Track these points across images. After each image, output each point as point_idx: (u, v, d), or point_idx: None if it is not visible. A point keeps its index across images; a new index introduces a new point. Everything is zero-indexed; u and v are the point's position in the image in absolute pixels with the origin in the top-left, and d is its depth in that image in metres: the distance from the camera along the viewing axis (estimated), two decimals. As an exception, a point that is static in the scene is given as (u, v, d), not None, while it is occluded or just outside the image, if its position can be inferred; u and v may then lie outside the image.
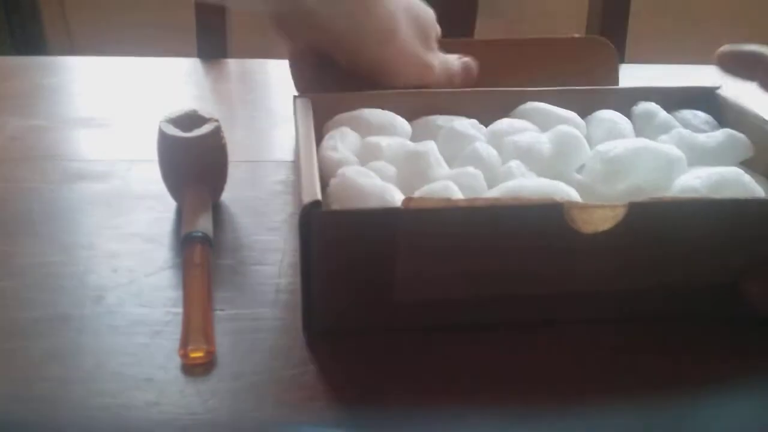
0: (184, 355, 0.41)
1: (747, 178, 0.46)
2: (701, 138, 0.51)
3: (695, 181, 0.46)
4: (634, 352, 0.43)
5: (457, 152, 0.49)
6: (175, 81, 0.68)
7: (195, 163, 0.50)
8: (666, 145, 0.48)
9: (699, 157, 0.50)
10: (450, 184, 0.44)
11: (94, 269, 0.47)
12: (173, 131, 0.49)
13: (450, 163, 0.49)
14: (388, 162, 0.48)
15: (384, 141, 0.49)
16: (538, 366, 0.42)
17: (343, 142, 0.49)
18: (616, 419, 0.39)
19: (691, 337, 0.44)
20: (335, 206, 0.42)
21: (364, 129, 0.51)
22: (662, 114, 0.55)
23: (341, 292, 0.41)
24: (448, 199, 0.42)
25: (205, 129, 0.50)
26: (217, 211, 0.52)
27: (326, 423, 0.39)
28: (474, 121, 0.53)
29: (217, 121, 0.51)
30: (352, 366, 0.42)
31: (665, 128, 0.53)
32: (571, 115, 0.54)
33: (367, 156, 0.48)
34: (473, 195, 0.44)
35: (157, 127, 0.50)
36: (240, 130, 0.61)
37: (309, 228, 0.38)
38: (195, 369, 0.41)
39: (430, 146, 0.48)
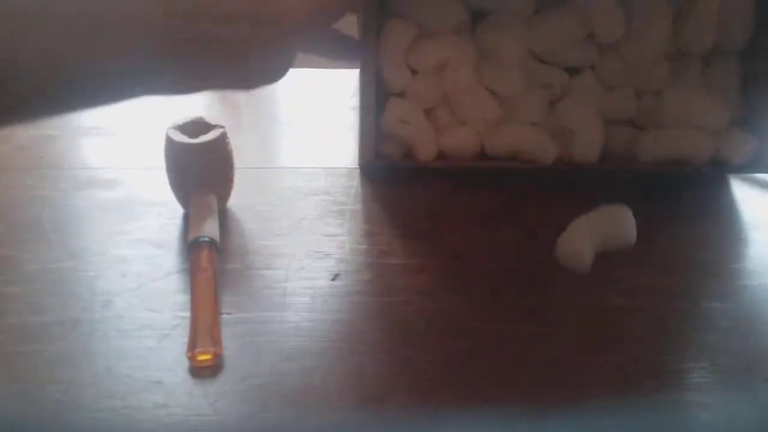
0: (192, 358, 0.41)
1: None
2: None
3: None
4: (637, 348, 0.43)
5: (491, 56, 0.56)
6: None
7: (201, 169, 0.51)
8: None
9: None
10: (470, 135, 0.57)
11: (103, 274, 0.48)
12: (180, 138, 0.50)
13: (484, 55, 0.56)
14: (435, 77, 0.56)
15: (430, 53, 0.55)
16: (542, 360, 0.42)
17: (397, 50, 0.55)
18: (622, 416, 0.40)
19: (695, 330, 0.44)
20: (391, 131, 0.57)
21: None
22: None
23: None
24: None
25: (212, 135, 0.50)
26: (224, 216, 0.53)
27: (332, 424, 0.39)
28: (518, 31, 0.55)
29: (223, 127, 0.51)
30: (357, 368, 0.42)
31: None
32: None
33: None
34: (487, 126, 0.57)
35: (165, 134, 0.50)
36: (246, 137, 0.62)
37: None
38: (203, 371, 0.41)
39: (465, 78, 0.55)
